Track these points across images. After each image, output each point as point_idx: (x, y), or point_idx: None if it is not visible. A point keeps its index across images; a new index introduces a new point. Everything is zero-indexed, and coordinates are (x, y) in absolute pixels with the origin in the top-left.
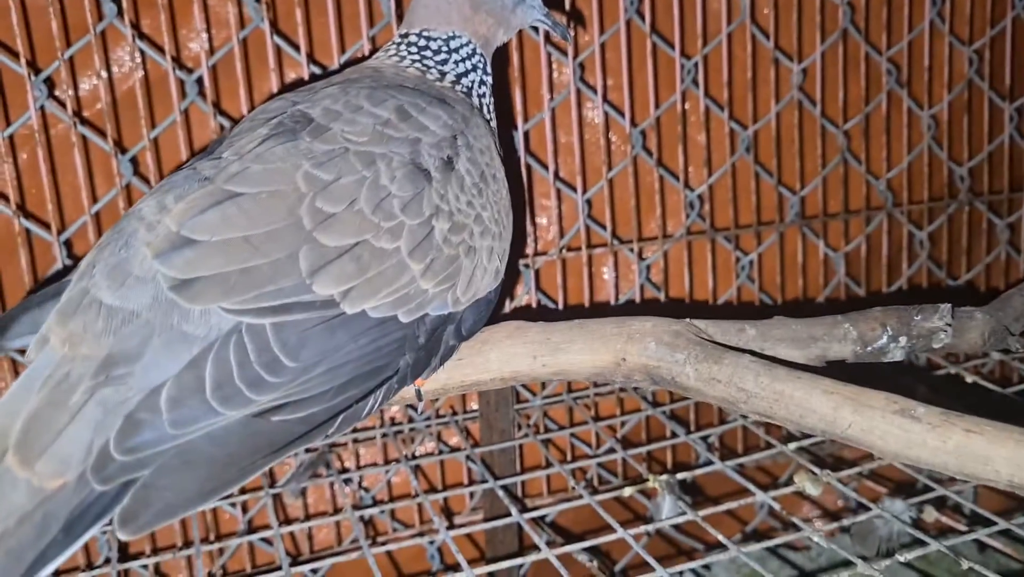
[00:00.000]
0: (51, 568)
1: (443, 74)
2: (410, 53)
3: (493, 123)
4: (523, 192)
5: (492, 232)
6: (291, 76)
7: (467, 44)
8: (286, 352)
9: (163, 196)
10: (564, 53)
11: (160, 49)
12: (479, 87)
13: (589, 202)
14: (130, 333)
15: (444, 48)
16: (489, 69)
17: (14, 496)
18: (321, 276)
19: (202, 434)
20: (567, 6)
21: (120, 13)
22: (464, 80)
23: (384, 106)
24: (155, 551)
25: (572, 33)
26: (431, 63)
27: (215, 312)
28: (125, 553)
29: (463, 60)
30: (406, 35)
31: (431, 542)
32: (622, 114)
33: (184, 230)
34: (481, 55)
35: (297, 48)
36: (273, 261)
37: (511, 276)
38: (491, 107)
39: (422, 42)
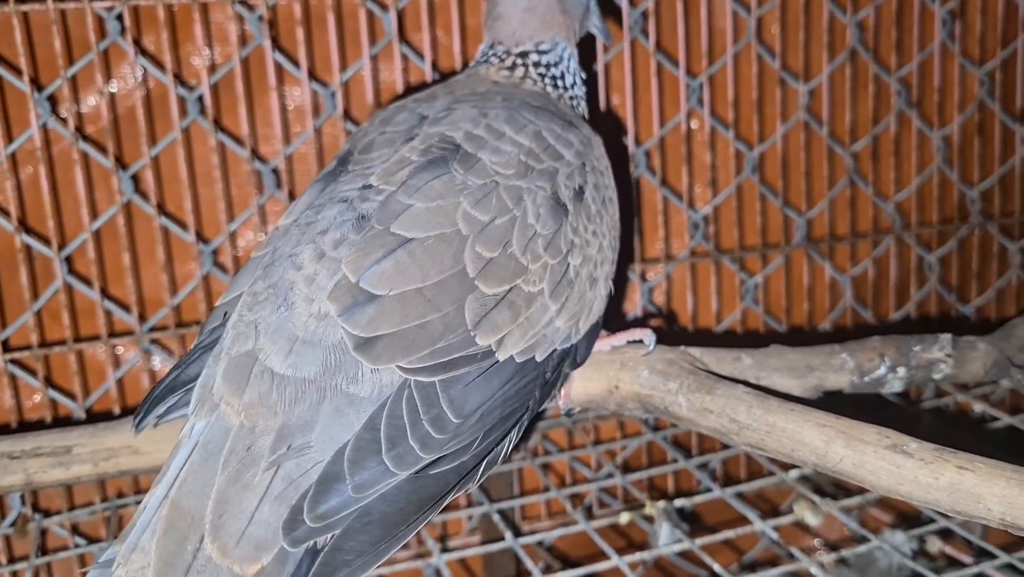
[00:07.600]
0: None
1: (557, 87)
2: (526, 67)
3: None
4: None
5: (609, 259)
6: (295, 93)
7: (565, 49)
8: (452, 408)
9: (319, 239)
10: None
11: (162, 66)
12: (582, 97)
13: None
14: (301, 400)
15: (556, 61)
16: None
17: None
18: (483, 326)
19: (378, 496)
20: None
21: (123, 31)
22: (573, 91)
23: (524, 132)
24: None
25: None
26: (547, 80)
27: (385, 371)
28: None
29: (573, 73)
30: (523, 53)
31: (427, 565)
32: (626, 133)
33: (363, 282)
34: (573, 56)
35: (298, 65)
36: (444, 315)
37: None
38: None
39: (536, 57)
